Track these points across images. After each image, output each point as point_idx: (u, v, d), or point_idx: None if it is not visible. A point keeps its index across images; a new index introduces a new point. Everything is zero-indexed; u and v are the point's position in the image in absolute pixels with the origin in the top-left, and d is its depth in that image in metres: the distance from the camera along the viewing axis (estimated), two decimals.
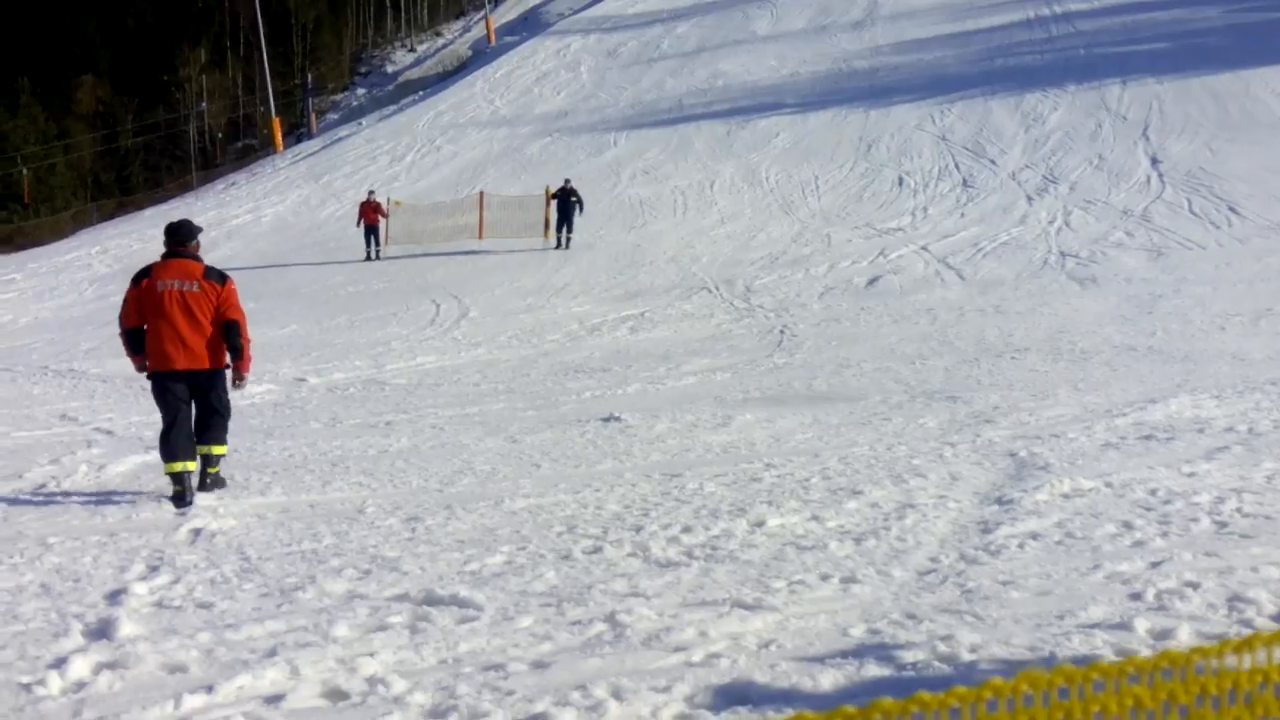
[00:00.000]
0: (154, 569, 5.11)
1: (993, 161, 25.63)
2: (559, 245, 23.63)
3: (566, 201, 23.69)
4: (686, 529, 5.50)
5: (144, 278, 6.59)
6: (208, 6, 67.48)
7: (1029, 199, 22.47)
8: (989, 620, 4.04)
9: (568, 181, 24.43)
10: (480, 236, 25.15)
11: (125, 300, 6.65)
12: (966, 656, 3.70)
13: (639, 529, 5.55)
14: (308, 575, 4.93)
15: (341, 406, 10.61)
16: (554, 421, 9.15)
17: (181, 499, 6.45)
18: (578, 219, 23.72)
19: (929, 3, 41.51)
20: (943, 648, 3.76)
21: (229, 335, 6.55)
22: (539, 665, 3.77)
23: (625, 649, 3.91)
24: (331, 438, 8.84)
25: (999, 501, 5.76)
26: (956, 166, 25.70)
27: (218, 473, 6.85)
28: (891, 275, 18.07)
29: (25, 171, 45.47)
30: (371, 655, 3.89)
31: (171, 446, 6.45)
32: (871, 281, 17.79)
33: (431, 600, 4.49)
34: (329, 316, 17.99)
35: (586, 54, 45.01)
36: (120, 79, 63.00)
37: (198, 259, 6.69)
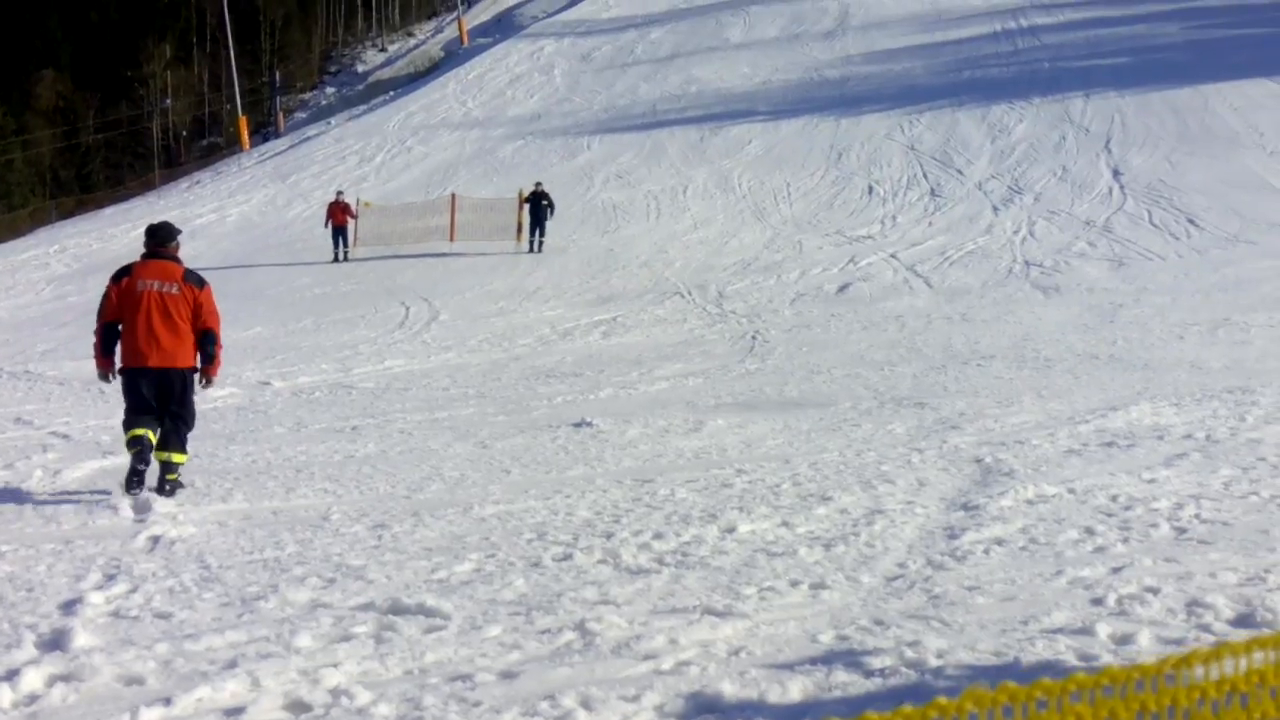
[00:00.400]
0: (111, 578, 5.04)
1: (960, 171, 26.05)
2: (531, 249, 23.62)
3: (538, 205, 23.70)
4: (658, 535, 5.54)
5: (124, 276, 6.73)
6: (173, 2, 66.91)
7: (995, 209, 22.90)
8: (955, 626, 4.11)
9: (539, 185, 24.42)
10: (451, 239, 25.06)
11: (105, 295, 6.76)
12: (933, 662, 3.76)
13: (610, 535, 5.57)
14: (270, 584, 4.90)
15: (307, 411, 10.53)
16: (525, 427, 9.14)
17: (138, 474, 6.54)
18: (549, 222, 23.72)
19: (899, 14, 42.16)
20: (910, 654, 3.81)
21: (203, 341, 6.74)
22: (507, 675, 3.77)
23: (595, 658, 3.92)
24: (296, 443, 8.77)
25: (965, 507, 5.85)
26: (925, 176, 26.07)
27: (176, 479, 6.85)
28: (861, 282, 18.32)
29: None
30: (335, 666, 3.86)
31: (133, 420, 6.64)
32: (842, 288, 18.03)
33: (398, 609, 4.46)
34: (295, 319, 17.86)
35: (560, 57, 45.05)
36: (82, 74, 62.26)
37: (178, 261, 6.83)
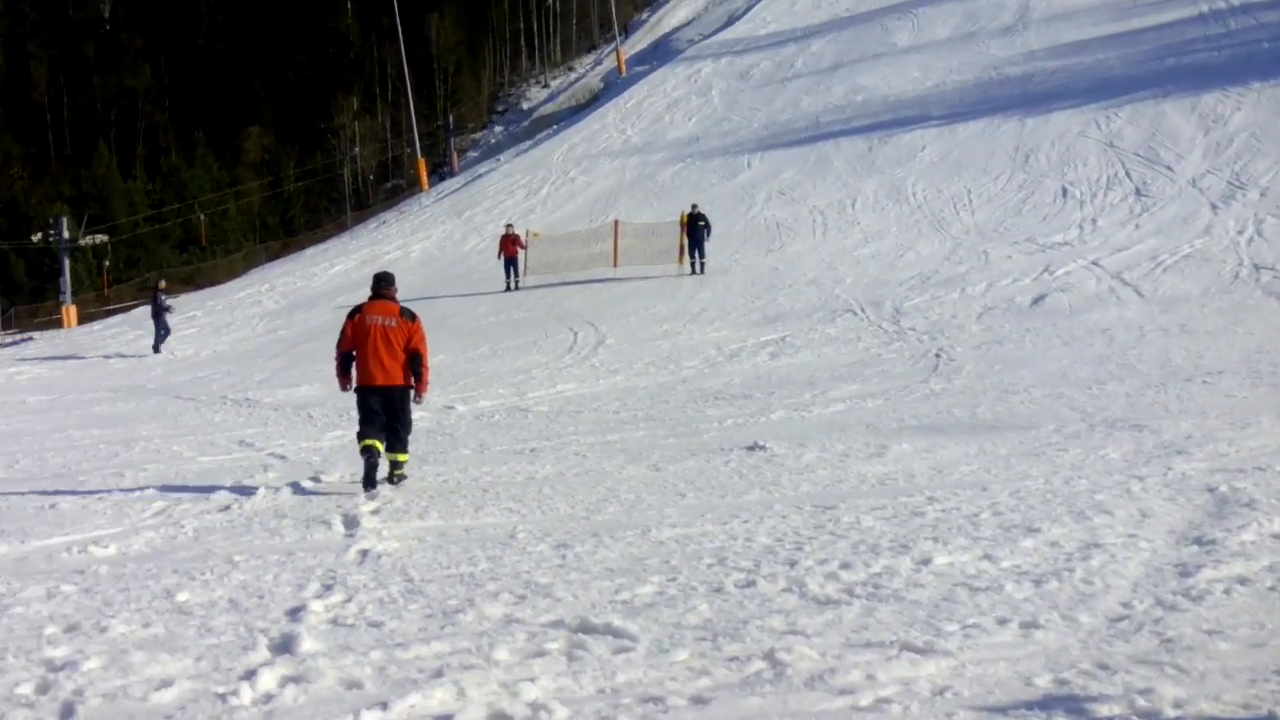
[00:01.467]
0: (328, 587, 5.32)
1: (1169, 168, 23.69)
2: (693, 271, 23.64)
3: (696, 226, 23.68)
4: (845, 565, 5.24)
5: (357, 313, 8.21)
6: (358, 57, 70.35)
7: (1213, 207, 20.63)
8: (1194, 673, 3.67)
9: (695, 206, 24.41)
10: (615, 264, 25.37)
11: (343, 330, 8.25)
12: (1170, 713, 3.38)
13: (793, 563, 5.33)
14: (467, 598, 5.04)
15: (488, 433, 10.80)
16: (696, 449, 9.01)
17: (370, 478, 7.86)
18: (708, 243, 23.66)
19: (1086, 3, 38.82)
20: (1142, 702, 3.44)
21: (414, 363, 8.10)
22: (698, 701, 3.69)
23: (787, 689, 3.76)
24: (481, 464, 9.00)
25: (1198, 542, 5.28)
26: (1127, 174, 23.88)
27: (402, 474, 8.15)
28: (1059, 293, 16.77)
29: (202, 217, 48.19)
30: (532, 680, 3.92)
31: (365, 430, 8.01)
32: (1036, 300, 16.55)
33: (586, 628, 4.49)
34: (473, 346, 18.40)
35: (718, 78, 44.89)
36: (282, 129, 66.22)
37: (395, 300, 8.27)
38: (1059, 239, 20.59)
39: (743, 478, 7.76)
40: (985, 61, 36.70)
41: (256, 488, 8.22)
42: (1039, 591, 4.69)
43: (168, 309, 22.65)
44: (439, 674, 4.02)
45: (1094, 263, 18.40)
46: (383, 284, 8.33)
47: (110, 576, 5.73)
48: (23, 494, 8.47)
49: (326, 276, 31.43)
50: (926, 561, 5.25)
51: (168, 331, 22.29)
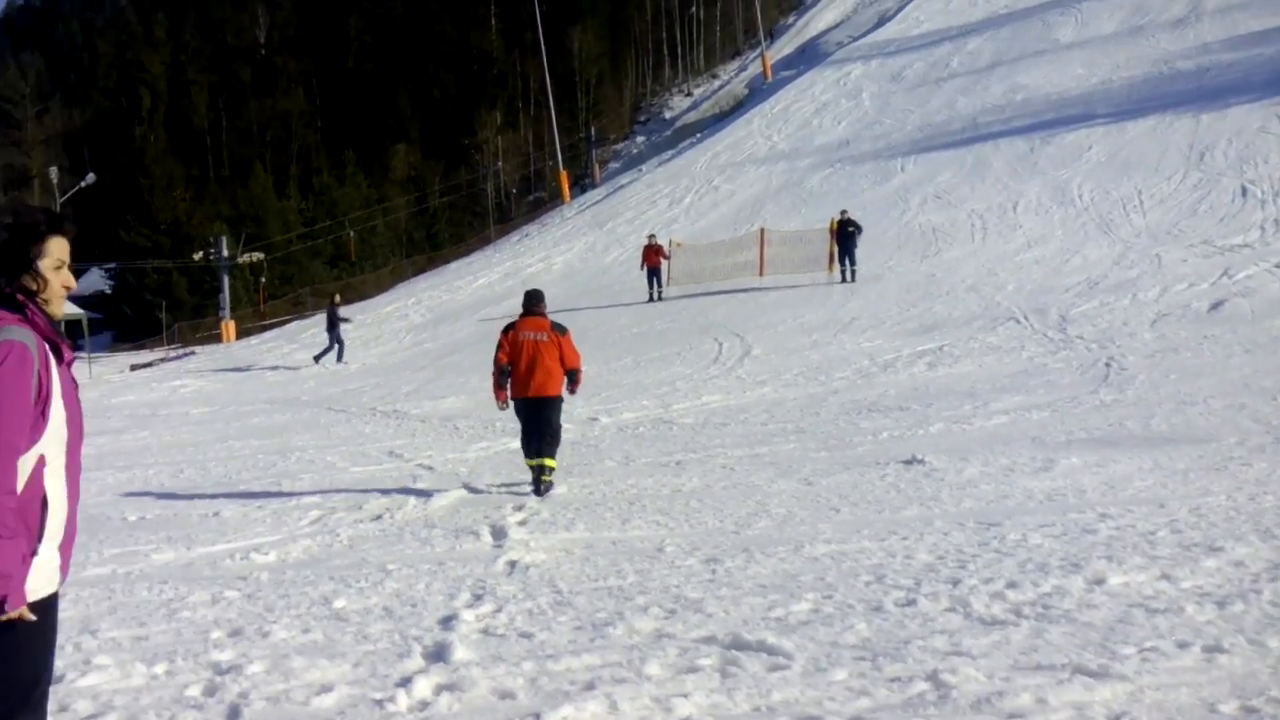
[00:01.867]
0: (479, 597, 5.44)
1: None
2: (844, 278, 23.34)
3: (845, 232, 23.38)
4: (1011, 584, 5.08)
5: (511, 330, 8.86)
6: (501, 72, 72.32)
7: None
8: None
9: (845, 212, 24.13)
10: (761, 273, 25.27)
11: (499, 345, 8.86)
12: None
13: (956, 582, 5.20)
14: (616, 611, 5.07)
15: (633, 445, 10.86)
16: (850, 463, 8.88)
17: (538, 487, 8.48)
18: (858, 249, 23.32)
19: None
20: None
21: (570, 376, 8.81)
22: None
23: (952, 712, 3.66)
24: (626, 476, 9.07)
25: None
26: None
27: (550, 480, 8.61)
28: (1240, 298, 15.91)
29: (352, 233, 50.46)
30: (685, 696, 3.90)
31: (530, 447, 8.69)
32: (1215, 306, 15.75)
33: (739, 645, 4.44)
34: (616, 357, 18.58)
35: (868, 80, 44.31)
36: (428, 146, 68.68)
37: (545, 316, 8.92)
38: (1239, 241, 19.57)
39: (900, 493, 7.59)
40: (1155, 56, 35.33)
41: (407, 498, 8.49)
42: (1223, 614, 4.48)
43: (344, 321, 23.58)
44: (590, 687, 4.05)
45: (1278, 265, 17.44)
46: (533, 301, 8.99)
47: (271, 583, 6.00)
48: (188, 501, 8.98)
49: (470, 290, 32.35)
50: (1100, 581, 5.04)
51: (343, 344, 23.22)
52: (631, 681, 4.09)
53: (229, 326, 36.17)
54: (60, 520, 2.56)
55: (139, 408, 18.46)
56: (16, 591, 2.40)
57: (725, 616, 4.91)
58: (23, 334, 2.41)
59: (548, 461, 8.60)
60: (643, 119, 71.69)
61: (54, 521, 2.54)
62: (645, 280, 25.54)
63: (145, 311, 46.56)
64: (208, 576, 6.26)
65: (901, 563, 5.68)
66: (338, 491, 9.06)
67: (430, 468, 10.19)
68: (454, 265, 40.10)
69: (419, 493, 8.75)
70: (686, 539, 6.62)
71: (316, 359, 23.07)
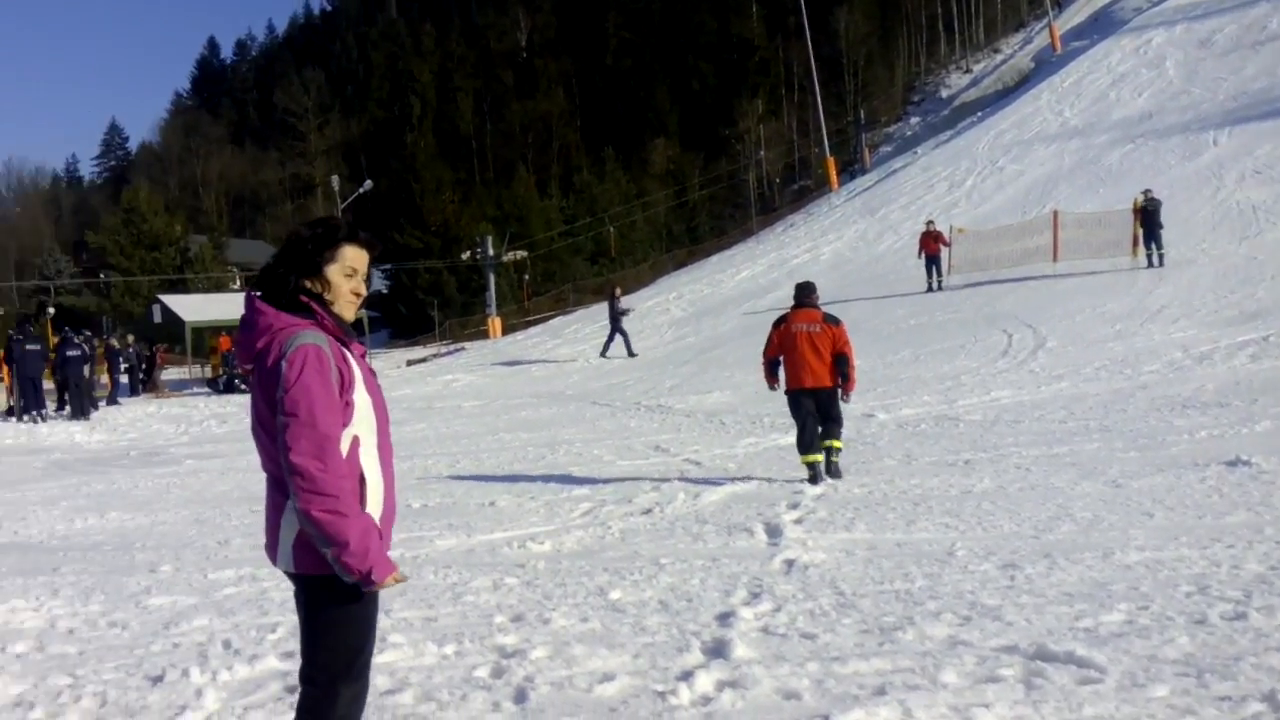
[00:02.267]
0: (755, 595, 5.46)
1: None
2: (1150, 263, 21.87)
3: (1150, 213, 21.94)
4: None
5: (783, 322, 9.15)
6: (763, 59, 72.44)
7: None
8: None
9: (1149, 192, 22.61)
10: (1055, 259, 24.09)
11: (769, 339, 9.19)
12: None
13: None
14: (905, 616, 4.97)
15: (915, 443, 10.66)
16: (1163, 464, 8.40)
17: (814, 481, 8.72)
18: (1163, 231, 21.83)
19: None
20: None
21: (840, 365, 8.97)
22: None
23: None
24: (909, 475, 8.90)
25: None
26: None
27: (837, 463, 9.00)
28: None
29: (612, 229, 52.12)
30: (986, 707, 3.80)
31: (805, 443, 8.90)
32: None
33: (1044, 655, 4.28)
34: (892, 350, 18.22)
35: (1171, 47, 41.41)
36: (687, 138, 69.85)
37: (817, 308, 9.15)
38: None
39: (1223, 497, 7.12)
40: None
41: (676, 493, 8.65)
42: None
43: (625, 313, 24.30)
44: (881, 692, 3.99)
45: None
46: (805, 293, 9.29)
47: (548, 571, 6.27)
48: (465, 491, 9.54)
49: (733, 283, 32.63)
50: None
51: (627, 335, 23.90)
52: (926, 689, 4.01)
53: (495, 323, 38.20)
54: (379, 497, 2.82)
55: (415, 401, 19.81)
56: (380, 563, 2.65)
57: (1027, 625, 4.74)
58: (314, 336, 2.68)
59: (835, 443, 9.02)
60: (917, 99, 69.84)
61: (373, 497, 2.80)
62: (923, 269, 24.93)
63: (418, 310, 49.99)
64: (488, 563, 6.62)
65: (1228, 573, 5.33)
66: (606, 485, 9.37)
67: (698, 463, 10.34)
68: (715, 258, 40.58)
69: (688, 488, 8.89)
70: (979, 543, 6.40)
71: (603, 354, 23.75)
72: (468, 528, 7.81)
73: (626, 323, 24.23)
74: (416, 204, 58.61)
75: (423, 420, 16.51)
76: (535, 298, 48.18)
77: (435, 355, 33.60)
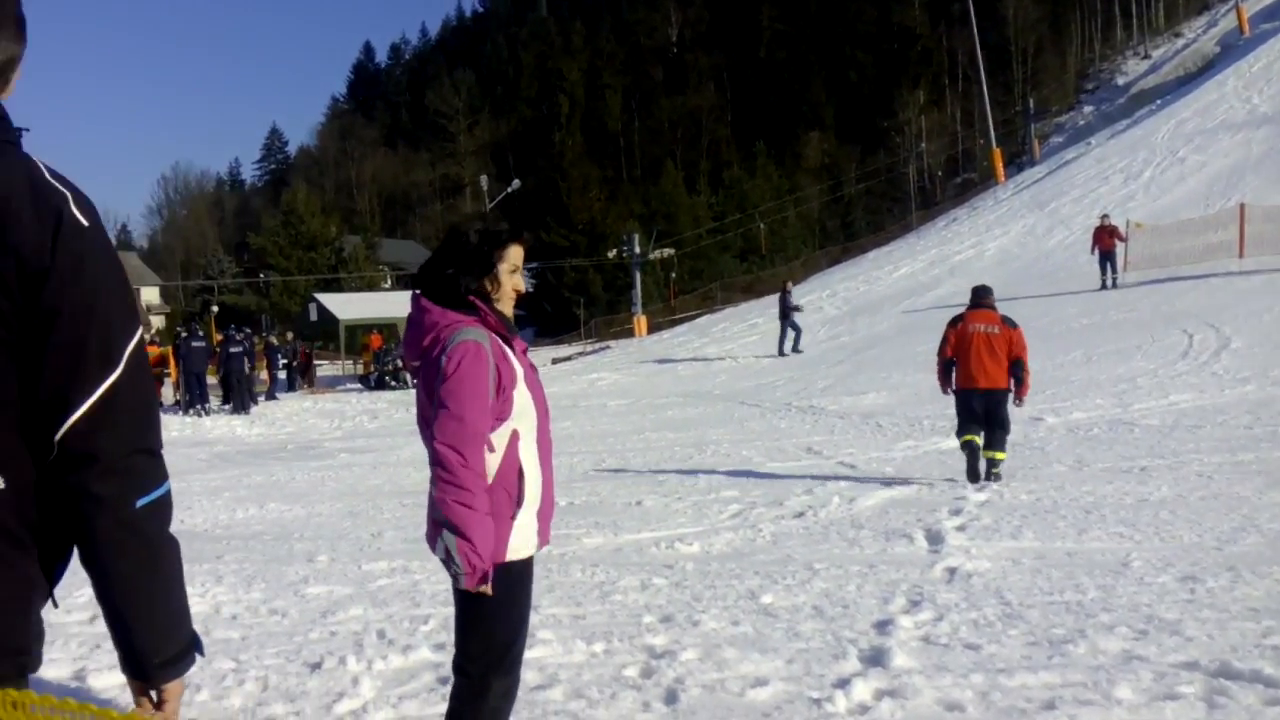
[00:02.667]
0: (915, 604, 5.36)
1: None
2: None
3: None
4: None
5: (959, 322, 9.32)
6: (925, 49, 71.02)
7: None
8: None
9: None
10: (1240, 255, 22.93)
11: (945, 338, 9.36)
12: None
13: None
14: (1076, 628, 4.81)
15: (1086, 448, 10.34)
16: None
17: (973, 473, 8.92)
18: None
19: None
20: None
21: (1015, 368, 9.09)
22: None
23: None
24: (1080, 482, 8.64)
25: None
26: None
27: (998, 472, 9.00)
28: None
29: (762, 226, 51.88)
30: None
31: (964, 427, 9.08)
32: None
33: (1228, 673, 4.10)
34: (1062, 351, 17.63)
35: None
36: (843, 130, 69.02)
37: (995, 309, 9.31)
38: None
39: None
40: None
41: (830, 496, 8.56)
42: None
43: (797, 308, 24.11)
44: (1051, 706, 3.87)
45: None
46: (982, 294, 9.49)
47: (696, 573, 6.29)
48: (611, 489, 9.65)
49: (891, 280, 32.08)
50: None
51: (799, 331, 23.72)
52: (1099, 704, 3.88)
53: (641, 321, 38.50)
54: (536, 489, 2.92)
55: (561, 399, 20.14)
56: (489, 568, 2.72)
57: (1209, 641, 4.55)
58: (477, 334, 2.79)
59: (998, 454, 9.04)
60: (1090, 87, 67.41)
61: (531, 489, 2.90)
62: (1096, 265, 24.05)
63: (564, 308, 50.83)
64: (635, 562, 6.68)
65: None
66: (756, 487, 9.34)
67: (852, 466, 10.21)
68: (872, 255, 40.01)
69: (842, 491, 8.79)
70: (1157, 553, 6.15)
71: (786, 350, 23.60)
72: (614, 527, 7.89)
73: (799, 319, 23.82)
74: (563, 202, 59.62)
75: (568, 419, 16.77)
76: (682, 296, 48.37)
77: (580, 354, 34.09)
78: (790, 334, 23.60)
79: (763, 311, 32.88)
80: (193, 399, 21.41)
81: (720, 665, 4.52)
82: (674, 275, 49.62)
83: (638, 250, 40.98)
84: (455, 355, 2.73)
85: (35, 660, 1.62)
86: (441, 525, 2.73)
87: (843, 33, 73.13)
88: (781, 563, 6.47)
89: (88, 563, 1.59)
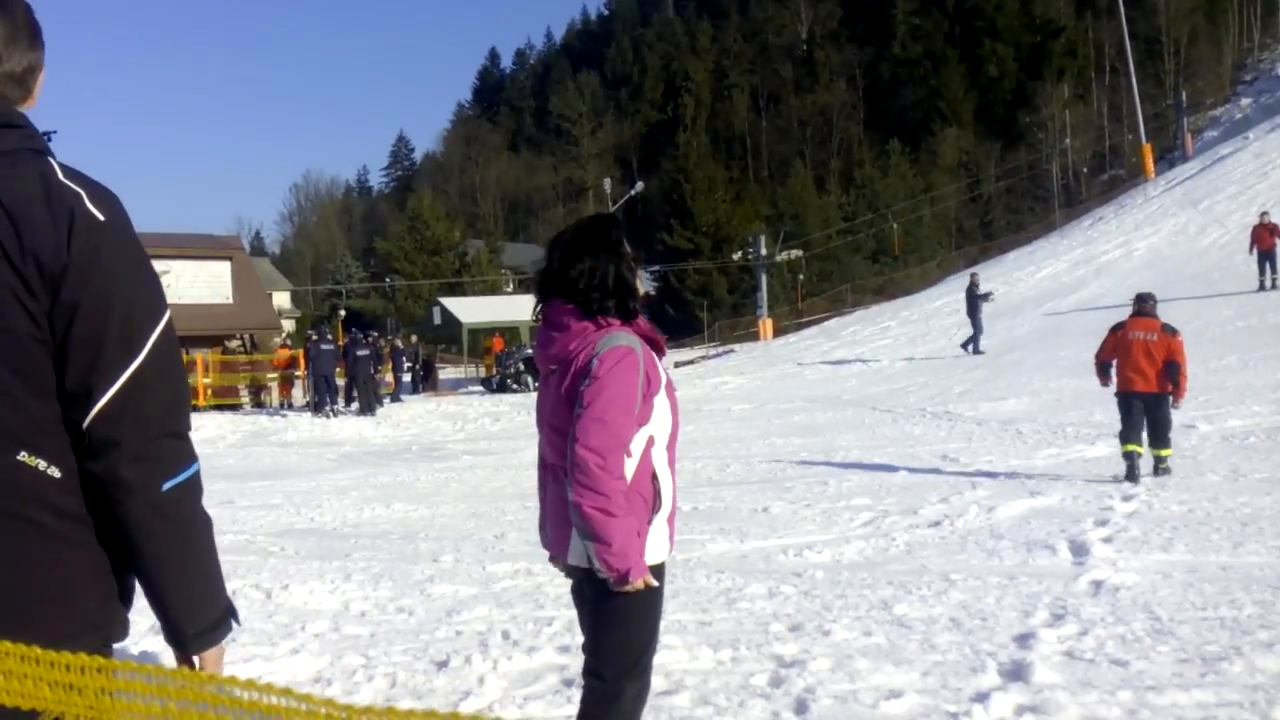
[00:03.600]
0: (1058, 617, 5.22)
1: None
2: None
3: None
4: None
5: (1119, 329, 9.83)
6: (1070, 41, 69.13)
7: None
8: None
9: None
10: None
11: (1104, 343, 9.90)
12: None
13: None
14: (1231, 645, 4.64)
15: (1241, 457, 9.99)
16: None
17: (1131, 475, 9.23)
18: None
19: None
20: None
21: (1171, 372, 9.52)
22: None
23: None
24: (1235, 493, 8.36)
25: None
26: None
27: (1166, 467, 9.47)
28: None
29: (895, 226, 51.07)
30: None
31: (1125, 435, 9.50)
32: None
33: None
34: (1216, 356, 16.93)
35: None
36: (981, 127, 67.55)
37: (1156, 317, 9.77)
38: None
39: None
40: None
41: (967, 505, 8.38)
42: None
43: (985, 299, 22.80)
44: None
45: None
46: (1144, 301, 9.97)
47: (826, 582, 6.23)
48: (736, 495, 9.62)
49: (1032, 281, 31.28)
50: None
51: (980, 331, 22.44)
52: None
53: (766, 324, 38.31)
54: (668, 494, 2.94)
55: (684, 403, 19.98)
56: (637, 565, 2.75)
57: None
58: (629, 339, 2.82)
59: (1164, 451, 9.50)
60: (1248, 78, 64.69)
61: (665, 495, 2.93)
62: (1255, 265, 23.02)
63: (687, 311, 50.89)
64: (762, 570, 6.65)
65: None
66: (889, 494, 9.20)
67: (991, 474, 9.98)
68: (1012, 255, 39.10)
69: (980, 500, 8.60)
70: None
71: (964, 346, 22.82)
72: (740, 533, 7.87)
73: (982, 316, 22.69)
74: (688, 204, 59.73)
75: (691, 423, 16.77)
76: (810, 298, 47.94)
77: (704, 357, 34.09)
78: (976, 331, 22.34)
79: (895, 314, 32.41)
80: (321, 400, 22.11)
81: (852, 676, 4.47)
82: (801, 277, 49.23)
83: (764, 252, 40.79)
84: (608, 359, 2.74)
85: (120, 630, 1.73)
86: (579, 531, 2.75)
87: (981, 26, 71.67)
88: (916, 573, 6.37)
89: (122, 543, 1.68)
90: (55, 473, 1.64)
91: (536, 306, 2.99)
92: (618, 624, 2.88)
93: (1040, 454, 11.01)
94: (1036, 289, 29.91)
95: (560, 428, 2.83)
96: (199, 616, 1.73)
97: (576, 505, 2.71)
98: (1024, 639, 4.89)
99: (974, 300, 22.70)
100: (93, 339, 1.62)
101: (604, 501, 2.69)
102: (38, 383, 1.62)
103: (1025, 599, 5.62)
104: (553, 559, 3.01)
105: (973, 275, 24.56)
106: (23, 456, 1.62)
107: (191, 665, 1.76)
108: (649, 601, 2.88)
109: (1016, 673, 4.40)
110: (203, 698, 1.09)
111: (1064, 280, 30.04)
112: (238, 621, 1.83)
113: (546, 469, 2.98)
